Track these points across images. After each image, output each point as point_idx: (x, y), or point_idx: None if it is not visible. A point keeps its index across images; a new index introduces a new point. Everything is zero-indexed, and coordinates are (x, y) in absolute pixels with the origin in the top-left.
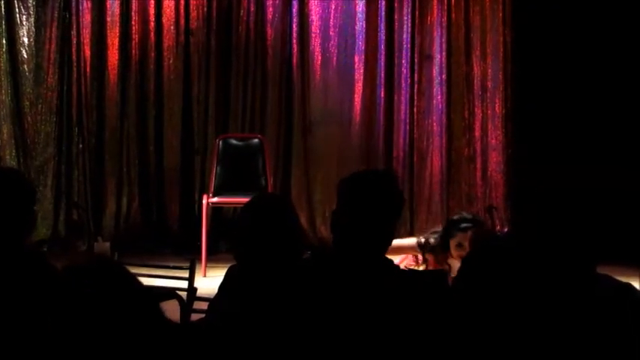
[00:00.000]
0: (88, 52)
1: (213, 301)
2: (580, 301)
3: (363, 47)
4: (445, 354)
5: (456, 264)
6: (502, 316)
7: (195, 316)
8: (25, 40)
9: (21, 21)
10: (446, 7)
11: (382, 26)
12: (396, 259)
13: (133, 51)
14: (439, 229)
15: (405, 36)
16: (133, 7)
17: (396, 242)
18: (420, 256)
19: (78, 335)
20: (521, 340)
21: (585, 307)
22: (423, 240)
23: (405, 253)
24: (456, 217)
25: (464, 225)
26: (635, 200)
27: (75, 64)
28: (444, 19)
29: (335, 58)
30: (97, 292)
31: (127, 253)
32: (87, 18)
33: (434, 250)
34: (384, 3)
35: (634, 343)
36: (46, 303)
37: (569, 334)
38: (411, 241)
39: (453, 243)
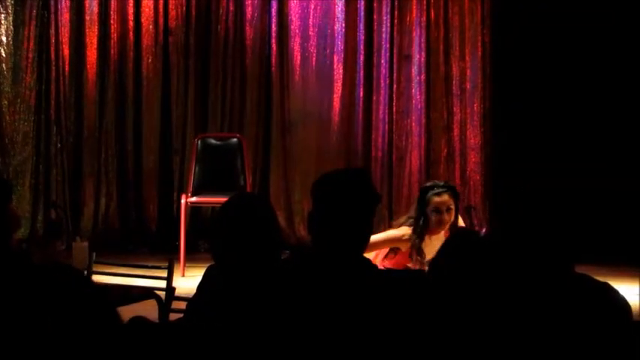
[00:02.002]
0: (66, 51)
1: (192, 301)
2: (557, 301)
3: (342, 47)
4: (423, 353)
5: (435, 242)
6: (480, 316)
7: (173, 316)
8: (4, 38)
9: None
10: (425, 7)
11: (361, 26)
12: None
13: (112, 50)
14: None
15: (384, 36)
16: (112, 7)
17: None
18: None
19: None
20: (499, 339)
21: (562, 307)
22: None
23: (378, 248)
24: (428, 184)
25: (437, 190)
26: (618, 198)
27: (53, 63)
28: (423, 18)
29: (314, 58)
30: (50, 293)
31: (106, 253)
32: (65, 17)
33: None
34: (363, 3)
35: (610, 341)
36: (31, 303)
37: (546, 332)
38: (383, 235)
39: (429, 209)
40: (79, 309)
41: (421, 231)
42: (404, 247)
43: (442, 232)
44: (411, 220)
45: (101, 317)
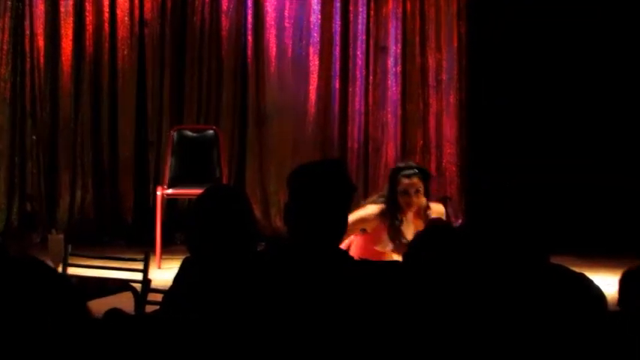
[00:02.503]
0: (41, 43)
1: (168, 293)
2: (534, 291)
3: (318, 38)
4: (399, 343)
5: (407, 224)
6: (456, 307)
7: (149, 308)
8: None
9: None
10: None
11: (337, 17)
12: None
13: (87, 42)
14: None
15: (360, 27)
16: None
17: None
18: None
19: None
20: (475, 330)
21: (539, 297)
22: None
23: (350, 232)
24: (400, 164)
25: (408, 172)
26: (593, 191)
27: (28, 54)
28: (399, 10)
29: (290, 50)
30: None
31: (82, 245)
32: (40, 8)
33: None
34: None
35: (586, 330)
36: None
37: (523, 322)
38: (351, 217)
39: (398, 190)
40: (48, 303)
41: (393, 211)
42: (369, 227)
43: (411, 215)
44: (382, 199)
45: (71, 313)
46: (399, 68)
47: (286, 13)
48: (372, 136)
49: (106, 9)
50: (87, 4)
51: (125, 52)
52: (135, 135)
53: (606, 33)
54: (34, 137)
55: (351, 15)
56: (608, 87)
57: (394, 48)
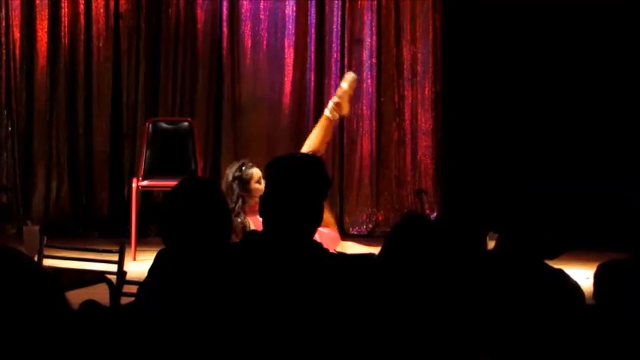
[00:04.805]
0: (17, 35)
1: (143, 285)
2: (511, 286)
3: (293, 30)
4: (375, 337)
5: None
6: (432, 300)
7: (124, 300)
8: None
9: None
10: None
11: (312, 10)
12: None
13: (63, 34)
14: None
15: (335, 19)
16: None
17: None
18: None
19: None
20: (454, 324)
21: (521, 293)
22: None
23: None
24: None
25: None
26: (568, 184)
27: (4, 46)
28: (374, 2)
29: (265, 42)
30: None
31: (57, 237)
32: (16, 0)
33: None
34: None
35: (566, 324)
36: None
37: (506, 318)
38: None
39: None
40: (27, 295)
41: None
42: None
43: None
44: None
45: (50, 304)
46: (374, 61)
47: (261, 5)
48: (347, 128)
49: (82, 1)
50: None
51: (100, 45)
52: (110, 127)
53: (583, 28)
54: (10, 128)
55: (327, 7)
56: (580, 81)
57: (369, 40)
